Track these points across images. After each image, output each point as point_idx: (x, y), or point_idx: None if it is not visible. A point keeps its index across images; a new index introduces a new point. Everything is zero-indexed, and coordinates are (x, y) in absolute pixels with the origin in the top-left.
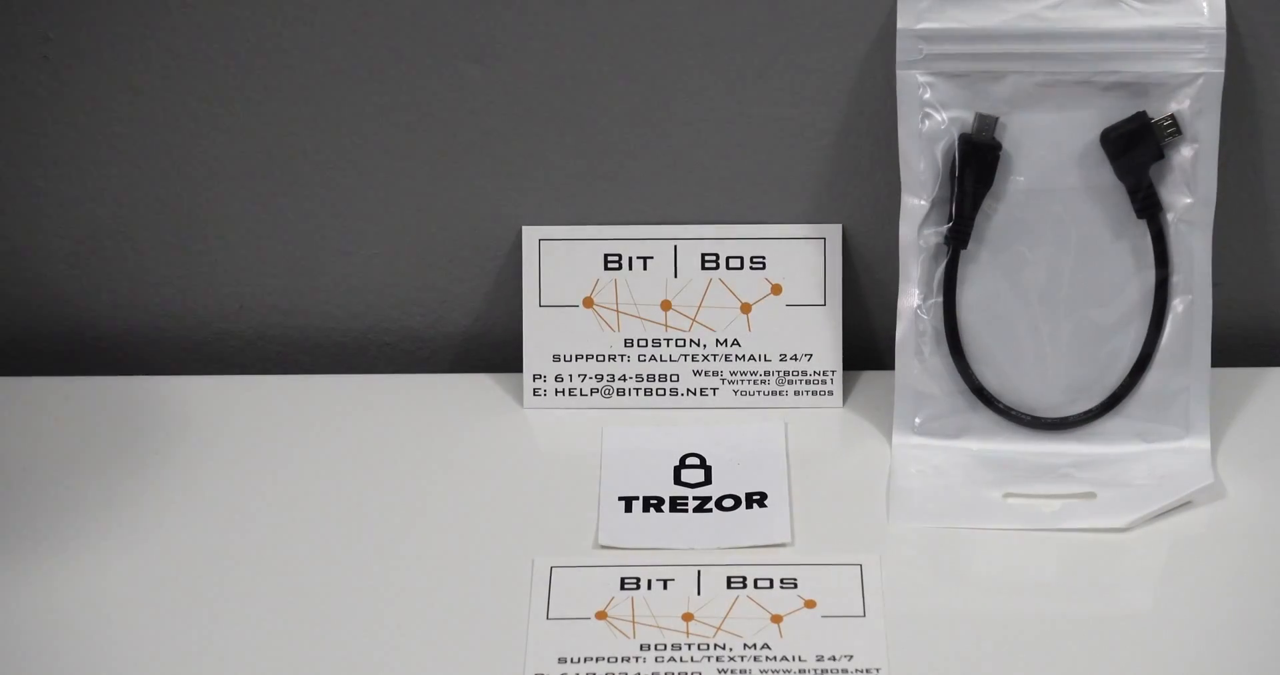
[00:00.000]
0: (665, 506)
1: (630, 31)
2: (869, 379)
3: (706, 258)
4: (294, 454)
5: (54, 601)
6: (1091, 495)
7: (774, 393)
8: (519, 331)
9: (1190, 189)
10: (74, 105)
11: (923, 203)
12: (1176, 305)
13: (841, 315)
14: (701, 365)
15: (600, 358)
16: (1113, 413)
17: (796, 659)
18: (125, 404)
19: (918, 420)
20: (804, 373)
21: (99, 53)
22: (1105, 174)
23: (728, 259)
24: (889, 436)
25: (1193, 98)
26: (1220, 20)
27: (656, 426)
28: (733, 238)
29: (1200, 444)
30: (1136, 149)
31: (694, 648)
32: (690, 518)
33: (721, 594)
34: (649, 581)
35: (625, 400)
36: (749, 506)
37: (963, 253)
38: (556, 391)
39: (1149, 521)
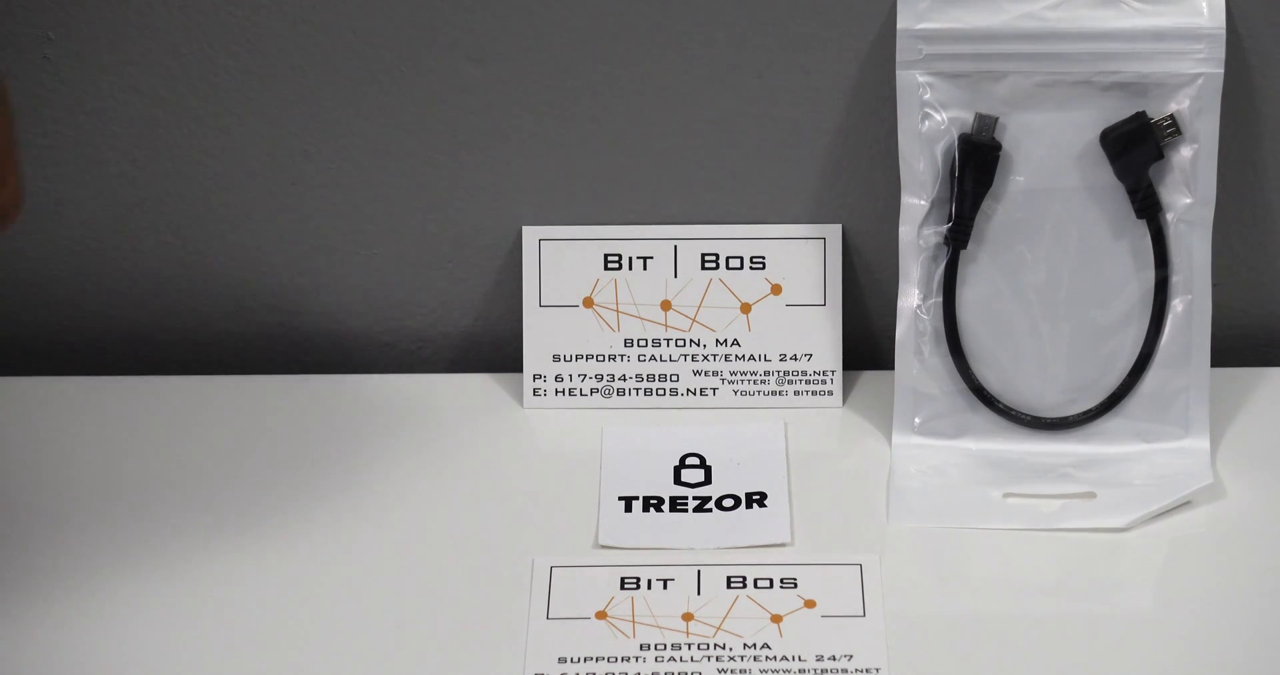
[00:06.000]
0: (665, 506)
1: (630, 32)
2: (869, 379)
3: (706, 258)
4: (294, 454)
5: (54, 601)
6: (1091, 495)
7: (774, 393)
8: (519, 331)
9: (1190, 189)
10: (74, 105)
11: (923, 203)
12: (1176, 305)
13: (841, 315)
14: (701, 365)
15: (600, 358)
16: (1113, 413)
17: (796, 659)
18: (125, 404)
19: (918, 420)
20: (804, 373)
21: (99, 53)
22: (1105, 174)
23: (728, 259)
24: (889, 436)
25: (1192, 98)
26: (1220, 20)
27: (656, 426)
28: (733, 238)
29: (1200, 444)
30: (1136, 149)
31: (694, 648)
32: (690, 518)
33: (721, 594)
34: (649, 581)
35: (625, 400)
36: (749, 506)
37: (962, 253)
38: (556, 391)
39: (1149, 521)
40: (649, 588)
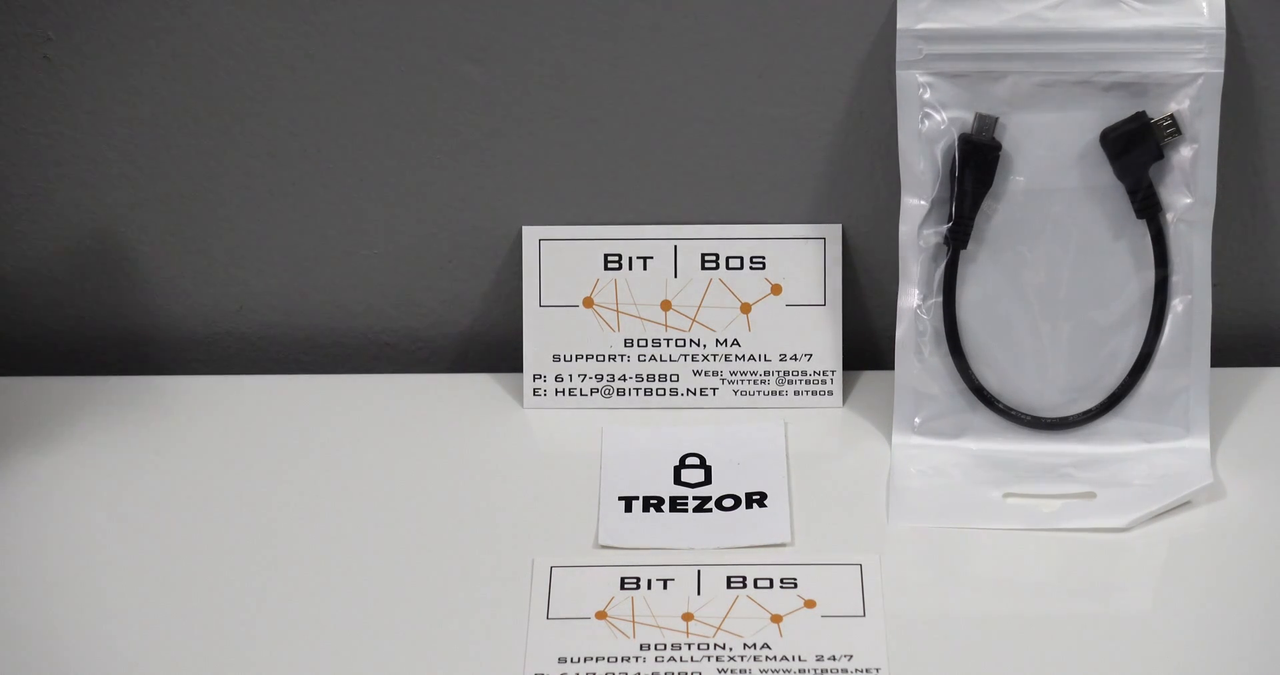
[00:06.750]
0: (665, 506)
1: (630, 32)
2: (869, 379)
3: (706, 258)
4: (294, 454)
5: (54, 601)
6: (1091, 495)
7: (774, 393)
8: (519, 331)
9: (1190, 189)
10: (74, 105)
11: (923, 203)
12: (1176, 305)
13: (841, 315)
14: (701, 365)
15: (600, 358)
16: (1113, 413)
17: (796, 659)
18: (125, 404)
19: (918, 420)
20: (804, 373)
21: (99, 53)
22: (1105, 174)
23: (728, 259)
24: (889, 436)
25: (1192, 98)
26: (1220, 20)
27: (656, 426)
28: (733, 238)
29: (1200, 444)
30: (1136, 149)
31: (694, 648)
32: (690, 518)
33: (721, 594)
34: (649, 581)
35: (625, 400)
36: (749, 506)
37: (962, 253)
38: (556, 391)
39: (1149, 521)
40: (649, 588)
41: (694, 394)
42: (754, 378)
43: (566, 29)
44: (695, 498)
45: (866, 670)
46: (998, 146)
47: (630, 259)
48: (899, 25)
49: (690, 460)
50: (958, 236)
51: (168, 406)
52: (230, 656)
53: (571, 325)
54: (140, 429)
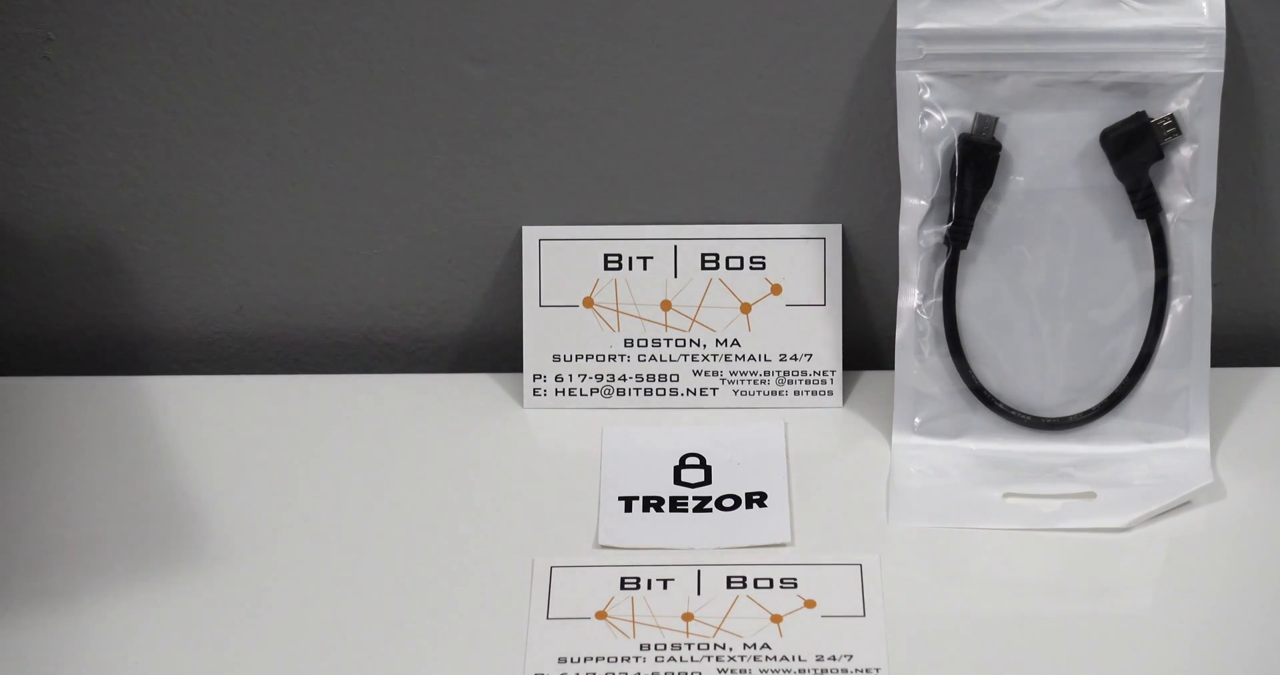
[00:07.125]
0: (665, 506)
1: (630, 31)
2: (869, 379)
3: (706, 258)
4: (294, 454)
5: (53, 601)
6: (1091, 495)
7: (774, 393)
8: (519, 331)
9: (1190, 189)
10: (74, 105)
11: (923, 203)
12: (1176, 305)
13: (841, 315)
14: (701, 365)
15: (600, 358)
16: (1112, 413)
17: (796, 659)
18: (125, 404)
19: (918, 420)
20: (804, 373)
21: (99, 53)
22: (1105, 174)
23: (728, 259)
24: (889, 436)
25: (1192, 98)
26: (1220, 20)
27: (656, 426)
28: (733, 238)
29: (1200, 444)
30: (1136, 149)
31: (694, 648)
32: (690, 518)
33: (721, 594)
34: (649, 581)
35: (625, 400)
36: (749, 506)
37: (962, 253)
38: (556, 391)
39: (1149, 521)
40: (649, 588)
41: (694, 394)
42: (754, 378)
43: (566, 29)
44: (695, 498)
45: (866, 670)
46: (998, 146)
47: (630, 259)
48: (899, 25)
49: (690, 460)
50: (958, 236)
51: (168, 406)
52: (230, 656)
53: (571, 325)
54: (140, 429)
